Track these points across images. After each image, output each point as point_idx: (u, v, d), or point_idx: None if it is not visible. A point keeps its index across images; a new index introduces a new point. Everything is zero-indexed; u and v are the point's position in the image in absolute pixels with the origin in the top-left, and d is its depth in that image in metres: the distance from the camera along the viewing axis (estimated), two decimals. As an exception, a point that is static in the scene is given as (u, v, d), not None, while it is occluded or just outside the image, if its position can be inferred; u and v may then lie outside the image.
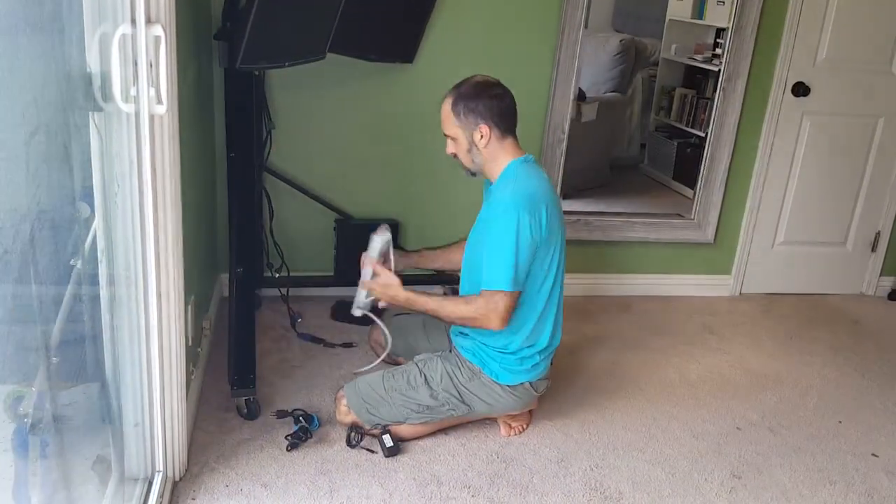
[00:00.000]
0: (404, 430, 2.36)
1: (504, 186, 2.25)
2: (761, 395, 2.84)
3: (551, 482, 2.27)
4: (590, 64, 4.85)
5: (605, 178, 4.76)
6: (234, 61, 2.26)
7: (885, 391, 2.93)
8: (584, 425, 2.55)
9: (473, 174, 2.36)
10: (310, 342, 2.92)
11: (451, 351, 2.43)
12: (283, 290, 3.02)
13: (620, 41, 4.90)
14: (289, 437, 2.30)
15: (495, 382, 2.32)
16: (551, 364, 2.48)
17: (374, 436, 2.34)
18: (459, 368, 2.34)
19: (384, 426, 2.33)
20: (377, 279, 2.37)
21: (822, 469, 2.43)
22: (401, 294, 2.32)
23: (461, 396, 2.33)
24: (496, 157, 2.27)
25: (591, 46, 4.83)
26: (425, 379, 2.33)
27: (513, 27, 3.11)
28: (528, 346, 2.33)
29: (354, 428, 2.34)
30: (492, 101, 2.23)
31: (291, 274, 3.19)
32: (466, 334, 2.38)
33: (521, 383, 2.35)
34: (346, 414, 2.35)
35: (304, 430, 2.32)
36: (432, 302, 2.29)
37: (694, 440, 2.53)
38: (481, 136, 2.23)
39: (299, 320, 3.02)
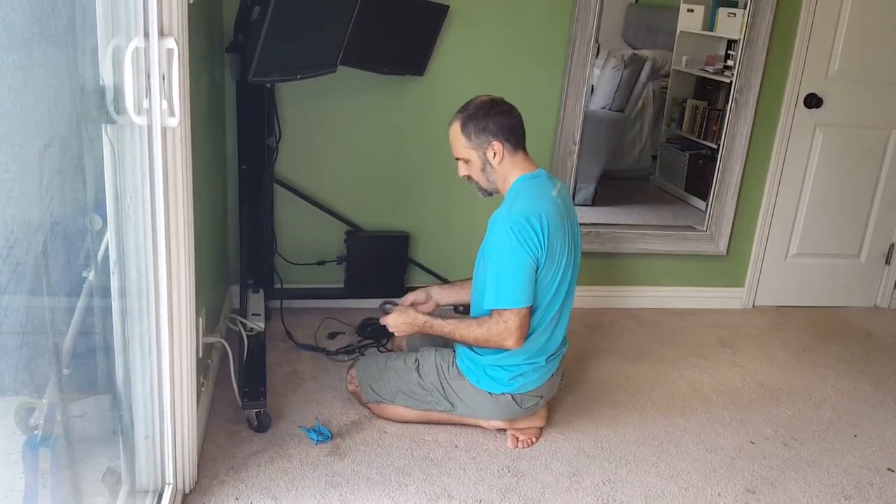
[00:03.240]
0: (391, 410, 2.47)
1: (505, 204, 2.27)
2: (775, 408, 2.82)
3: (563, 497, 2.25)
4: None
5: (592, 197, 4.66)
6: (247, 74, 2.27)
7: (900, 405, 2.91)
8: (595, 439, 2.54)
9: (490, 194, 2.38)
10: (310, 351, 2.93)
11: (448, 346, 2.46)
12: (279, 304, 3.04)
13: (615, 56, 4.88)
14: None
15: (475, 387, 2.36)
16: (558, 376, 2.48)
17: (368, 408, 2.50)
18: (449, 366, 2.40)
19: (376, 401, 2.46)
20: (392, 314, 2.42)
21: (836, 483, 2.41)
22: (419, 317, 2.37)
23: (444, 392, 2.39)
24: (509, 173, 2.30)
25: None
26: (418, 366, 2.42)
27: (524, 40, 3.12)
28: (527, 363, 2.36)
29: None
30: (501, 118, 2.25)
31: (301, 286, 3.20)
32: None
33: (503, 393, 2.36)
34: (350, 381, 2.55)
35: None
36: (448, 326, 2.33)
37: (707, 454, 2.50)
38: (494, 154, 2.26)
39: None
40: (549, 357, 2.40)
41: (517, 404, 2.38)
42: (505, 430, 2.49)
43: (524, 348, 2.29)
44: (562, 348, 2.46)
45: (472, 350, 2.36)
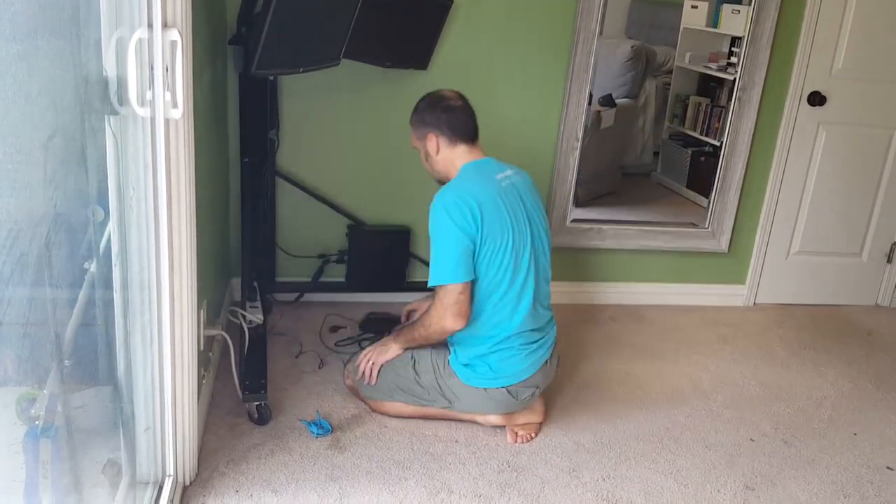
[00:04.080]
0: (388, 406, 2.49)
1: (443, 188, 2.36)
2: (775, 406, 2.82)
3: (562, 492, 2.25)
4: (600, 70, 4.82)
5: (616, 185, 4.73)
6: (250, 67, 2.26)
7: (900, 404, 2.91)
8: (595, 435, 2.54)
9: (442, 182, 2.45)
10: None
11: (444, 345, 2.47)
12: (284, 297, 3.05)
13: (631, 47, 4.89)
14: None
15: (468, 384, 2.38)
16: (552, 365, 2.49)
17: (366, 403, 2.52)
18: (444, 364, 2.41)
19: (374, 397, 2.48)
20: (370, 351, 2.50)
21: (835, 481, 2.41)
22: (392, 345, 2.47)
23: (441, 390, 2.41)
24: (452, 162, 2.40)
25: (601, 52, 4.81)
26: (414, 363, 2.42)
27: (527, 35, 3.11)
28: (482, 356, 2.36)
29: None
30: (441, 113, 2.39)
31: (302, 280, 3.20)
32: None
33: (497, 388, 2.37)
34: (347, 376, 2.59)
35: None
36: (413, 329, 2.42)
37: (707, 451, 2.51)
38: (432, 145, 2.40)
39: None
40: (527, 343, 2.38)
41: (512, 397, 2.38)
42: (502, 426, 2.49)
43: (485, 334, 2.34)
44: (543, 336, 2.44)
45: (453, 348, 2.40)
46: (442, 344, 2.45)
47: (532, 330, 2.40)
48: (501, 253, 2.29)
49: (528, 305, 2.36)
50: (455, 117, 2.38)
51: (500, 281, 2.31)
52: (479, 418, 2.49)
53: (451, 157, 2.39)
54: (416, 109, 2.45)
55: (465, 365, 2.38)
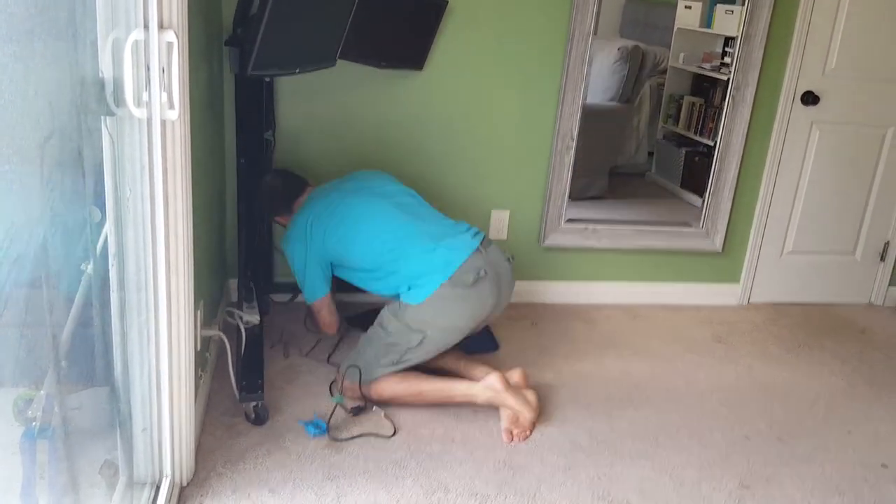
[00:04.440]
0: (383, 386, 2.53)
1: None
2: (769, 404, 2.83)
3: (558, 490, 2.26)
4: (591, 72, 4.81)
5: (603, 190, 4.71)
6: (246, 68, 2.26)
7: (893, 401, 2.92)
8: (591, 433, 2.55)
9: None
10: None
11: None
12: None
13: (618, 49, 4.89)
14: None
15: (420, 304, 2.49)
16: (495, 253, 2.60)
17: (365, 397, 2.56)
18: (398, 306, 2.56)
19: (368, 381, 2.55)
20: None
21: (830, 479, 2.42)
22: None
23: (408, 325, 2.51)
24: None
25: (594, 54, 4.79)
26: (381, 325, 2.58)
27: (522, 34, 3.12)
28: (414, 276, 2.54)
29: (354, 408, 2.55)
30: (272, 203, 2.85)
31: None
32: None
33: (440, 286, 2.48)
34: (337, 381, 2.63)
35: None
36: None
37: (702, 449, 2.52)
38: (287, 220, 2.82)
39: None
40: (435, 242, 2.55)
41: (460, 286, 2.47)
42: (496, 420, 2.50)
43: (408, 268, 2.55)
44: (452, 232, 2.60)
45: (393, 281, 2.57)
46: (391, 298, 2.62)
47: (437, 239, 2.57)
48: (354, 229, 2.61)
49: (416, 235, 2.58)
50: (280, 195, 2.83)
51: (373, 242, 2.59)
52: (477, 388, 2.51)
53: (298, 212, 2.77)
54: (262, 210, 2.90)
55: (409, 288, 2.53)
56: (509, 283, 2.65)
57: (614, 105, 4.93)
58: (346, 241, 2.62)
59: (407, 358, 2.52)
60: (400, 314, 2.52)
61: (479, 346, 2.92)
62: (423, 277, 2.51)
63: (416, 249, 2.56)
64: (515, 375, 2.62)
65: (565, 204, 3.39)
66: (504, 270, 2.61)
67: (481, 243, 2.58)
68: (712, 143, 3.71)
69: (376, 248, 2.59)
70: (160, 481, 2.06)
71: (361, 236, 2.61)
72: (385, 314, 2.58)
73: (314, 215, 2.66)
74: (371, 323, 2.75)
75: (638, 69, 4.96)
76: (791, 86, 3.38)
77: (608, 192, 4.66)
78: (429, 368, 2.60)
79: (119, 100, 1.67)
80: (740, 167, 3.47)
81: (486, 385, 2.51)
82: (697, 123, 4.82)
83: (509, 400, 2.50)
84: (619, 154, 5.13)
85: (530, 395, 2.55)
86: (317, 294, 2.71)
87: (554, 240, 3.44)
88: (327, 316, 2.76)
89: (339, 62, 2.66)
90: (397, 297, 2.57)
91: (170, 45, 1.69)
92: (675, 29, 5.06)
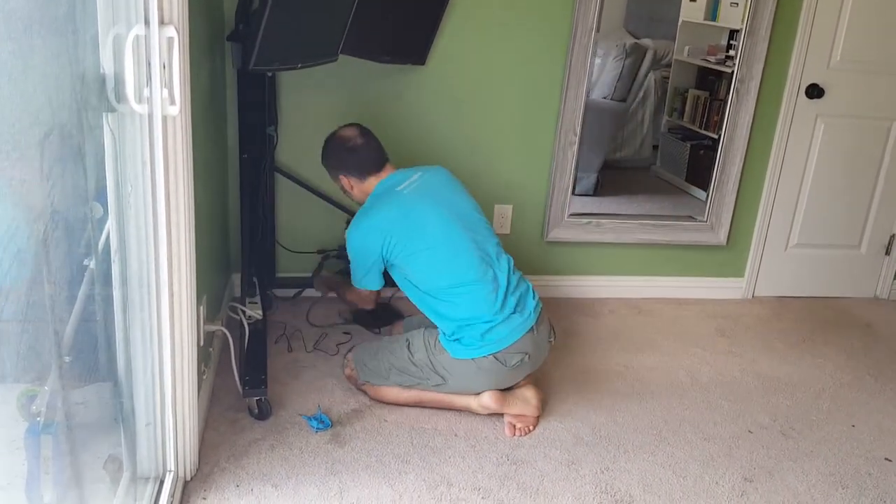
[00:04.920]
0: (385, 391, 2.54)
1: (359, 213, 2.60)
2: (773, 398, 2.83)
3: (561, 485, 2.26)
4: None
5: (591, 187, 4.64)
6: (247, 63, 2.26)
7: (898, 395, 2.92)
8: (594, 428, 2.55)
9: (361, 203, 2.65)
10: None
11: (435, 326, 2.55)
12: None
13: (616, 45, 4.86)
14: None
15: (457, 358, 2.43)
16: (543, 334, 2.52)
17: (363, 391, 2.59)
18: (434, 342, 2.49)
19: (372, 383, 2.55)
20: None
21: (834, 473, 2.42)
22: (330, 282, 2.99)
23: (434, 366, 2.46)
24: (365, 192, 2.61)
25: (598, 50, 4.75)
26: (408, 344, 2.52)
27: (525, 29, 3.11)
28: (465, 326, 2.44)
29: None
30: (346, 156, 2.60)
31: (302, 275, 3.20)
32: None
33: (484, 357, 2.41)
34: (346, 364, 2.65)
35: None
36: (346, 290, 2.79)
37: (705, 443, 2.51)
38: (345, 184, 2.64)
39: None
40: (506, 310, 2.43)
41: (501, 363, 2.42)
42: (499, 415, 2.51)
43: (461, 316, 2.43)
44: (519, 301, 2.48)
45: (442, 314, 2.47)
46: (433, 324, 2.53)
47: (503, 299, 2.46)
48: (426, 251, 2.46)
49: (482, 282, 2.45)
50: (358, 157, 2.58)
51: (441, 272, 2.46)
52: (474, 403, 2.50)
53: (364, 188, 2.61)
54: (323, 154, 2.66)
55: (454, 340, 2.45)
56: (543, 360, 2.60)
57: (610, 103, 4.90)
58: (417, 259, 2.47)
59: (417, 386, 2.51)
60: (431, 352, 2.47)
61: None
62: (471, 337, 2.42)
63: (483, 307, 2.42)
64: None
65: (569, 198, 3.39)
66: (543, 351, 2.56)
67: (537, 321, 2.49)
68: (717, 137, 3.69)
69: (444, 283, 2.46)
70: (164, 476, 2.07)
71: (435, 267, 2.47)
72: (417, 340, 2.51)
73: (397, 220, 2.47)
74: (377, 323, 2.76)
75: (637, 68, 4.93)
76: (796, 79, 3.37)
77: (611, 187, 4.64)
78: None
79: (120, 96, 1.67)
80: (745, 160, 3.46)
81: (480, 404, 2.50)
82: (702, 117, 4.80)
83: (508, 411, 2.50)
84: (618, 151, 5.10)
85: (529, 393, 2.54)
86: (370, 286, 2.60)
87: (557, 234, 3.44)
88: (368, 296, 2.66)
89: (342, 57, 2.66)
90: (437, 329, 2.51)
91: (171, 40, 1.69)
92: (679, 22, 5.03)
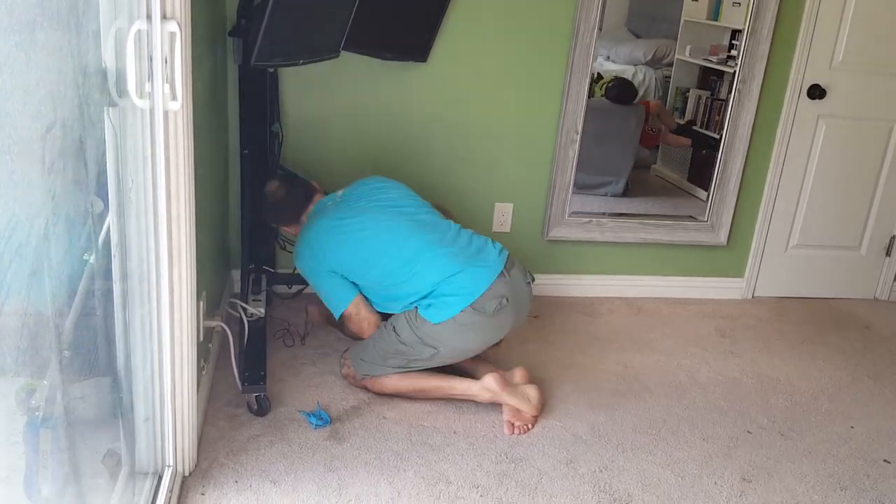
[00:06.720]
0: (383, 382, 2.56)
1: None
2: (772, 398, 2.83)
3: (560, 483, 2.26)
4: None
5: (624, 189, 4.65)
6: (249, 58, 2.26)
7: (897, 397, 2.92)
8: (593, 427, 2.55)
9: None
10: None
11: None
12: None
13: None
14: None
15: (438, 323, 2.45)
16: (518, 277, 2.55)
17: (364, 388, 2.61)
18: (414, 316, 2.50)
19: (370, 376, 2.57)
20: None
21: (832, 474, 2.42)
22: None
23: (422, 339, 2.48)
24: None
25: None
26: (394, 328, 2.53)
27: (527, 27, 3.11)
28: (433, 292, 2.48)
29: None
30: (275, 211, 2.79)
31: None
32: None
33: (461, 311, 2.43)
34: (343, 364, 2.66)
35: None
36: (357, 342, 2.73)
37: (704, 443, 2.52)
38: (292, 230, 2.81)
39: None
40: (462, 262, 2.48)
41: (480, 312, 2.44)
42: (498, 412, 2.50)
43: (427, 282, 2.48)
44: (476, 251, 2.54)
45: (411, 295, 2.51)
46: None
47: (458, 253, 2.52)
48: (362, 241, 2.55)
49: (431, 246, 2.52)
50: (286, 207, 2.76)
51: (387, 251, 2.53)
52: (475, 387, 2.51)
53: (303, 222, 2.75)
54: (264, 216, 2.85)
55: (428, 307, 2.48)
56: (527, 304, 2.62)
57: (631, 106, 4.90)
58: (361, 254, 2.55)
59: (414, 365, 2.52)
60: (415, 326, 2.48)
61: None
62: (445, 297, 2.46)
63: (440, 268, 2.48)
64: (517, 375, 2.61)
65: (570, 197, 3.39)
66: (523, 294, 2.58)
67: (505, 265, 2.53)
68: (718, 137, 3.69)
69: (395, 264, 2.52)
70: (162, 471, 2.07)
71: (378, 251, 2.54)
72: (399, 320, 2.52)
73: (324, 227, 2.61)
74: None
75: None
76: (798, 79, 3.36)
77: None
78: None
79: (122, 90, 1.67)
80: (746, 161, 3.46)
81: (483, 386, 2.51)
82: (704, 116, 4.80)
83: (508, 399, 2.50)
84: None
85: (531, 391, 2.54)
86: (345, 301, 2.60)
87: (558, 233, 3.44)
88: (366, 315, 2.61)
89: (343, 54, 2.65)
90: (413, 307, 2.52)
91: (172, 35, 1.69)
92: (681, 21, 5.03)
